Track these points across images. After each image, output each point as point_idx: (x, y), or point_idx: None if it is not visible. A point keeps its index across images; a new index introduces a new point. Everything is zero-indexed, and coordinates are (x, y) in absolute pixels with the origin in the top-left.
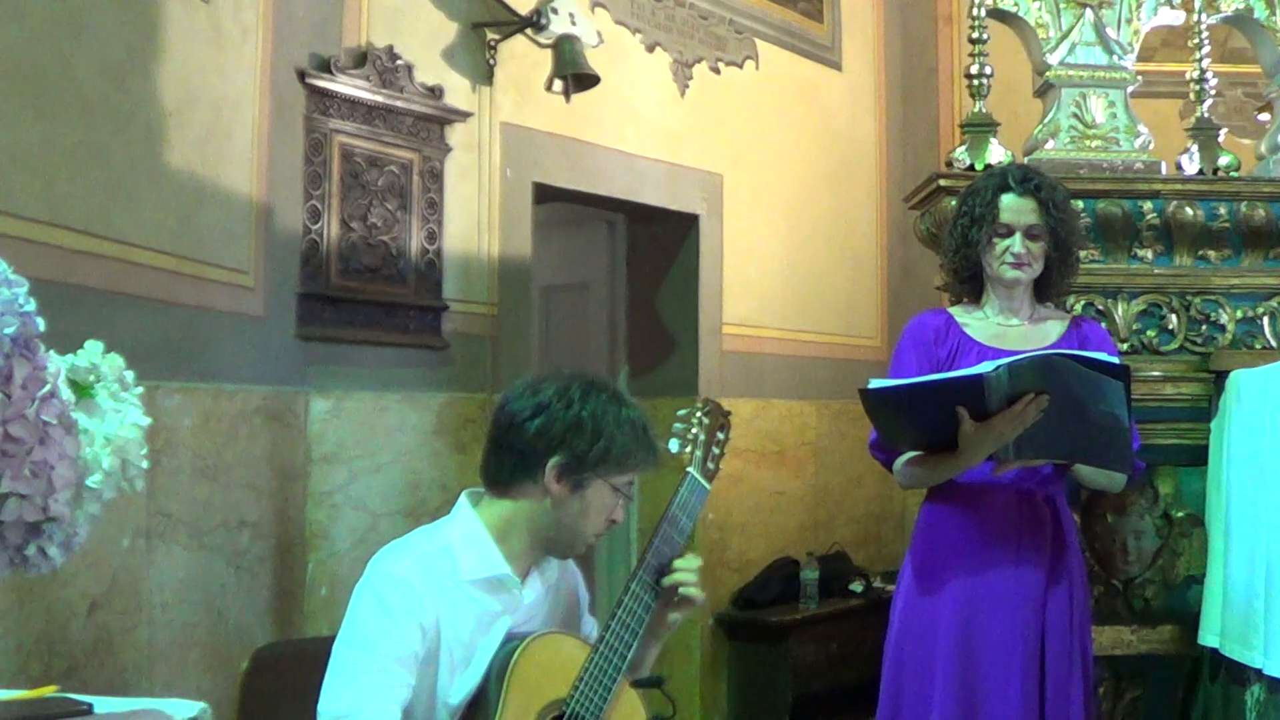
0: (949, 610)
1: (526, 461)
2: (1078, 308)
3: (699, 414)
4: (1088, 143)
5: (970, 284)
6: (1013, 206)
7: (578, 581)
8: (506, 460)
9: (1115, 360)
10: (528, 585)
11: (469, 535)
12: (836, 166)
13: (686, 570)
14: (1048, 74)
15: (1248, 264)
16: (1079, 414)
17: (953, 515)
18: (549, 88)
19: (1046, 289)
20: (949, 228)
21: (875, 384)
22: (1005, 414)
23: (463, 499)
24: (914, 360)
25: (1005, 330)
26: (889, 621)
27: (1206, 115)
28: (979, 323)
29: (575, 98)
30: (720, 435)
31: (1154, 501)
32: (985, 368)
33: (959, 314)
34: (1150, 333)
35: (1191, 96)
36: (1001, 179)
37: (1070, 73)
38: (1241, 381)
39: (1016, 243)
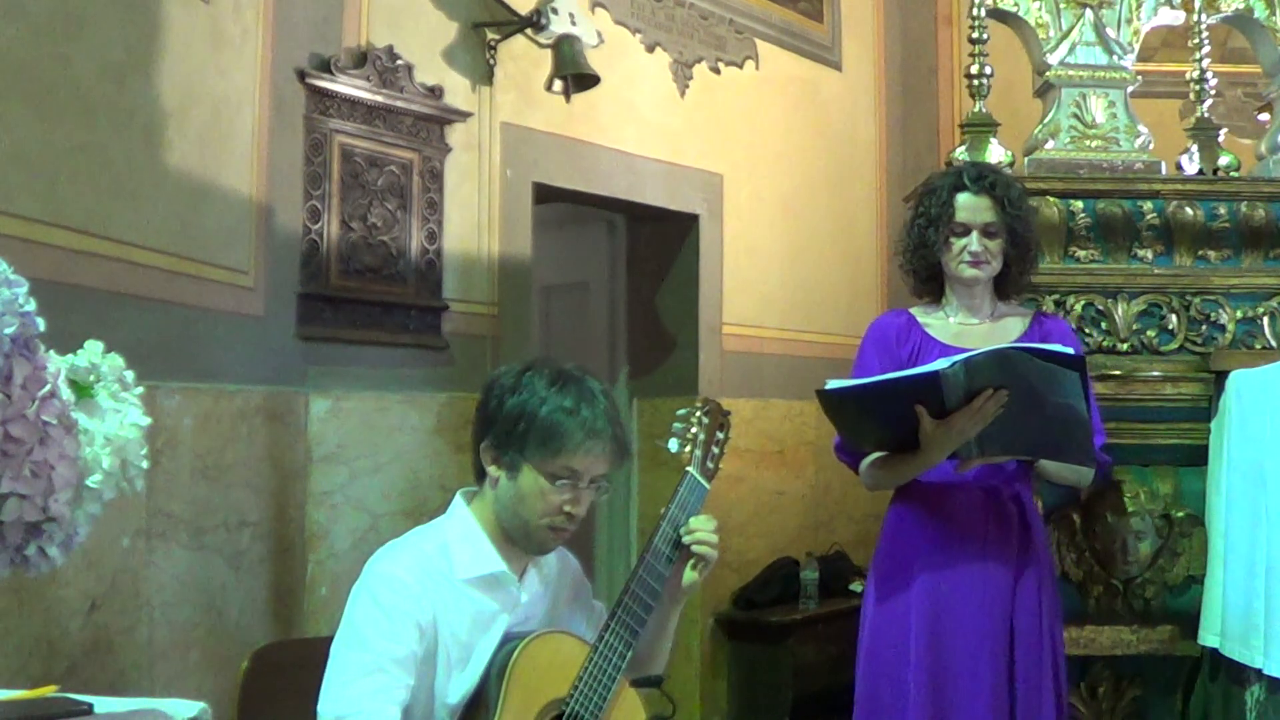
0: (917, 613)
1: (474, 447)
2: (1077, 308)
3: (698, 414)
4: (1088, 143)
5: (930, 284)
6: (969, 205)
7: (578, 570)
8: (472, 446)
9: (1070, 351)
10: (525, 582)
11: (464, 533)
12: (836, 166)
13: (703, 529)
14: (1048, 74)
15: (1248, 264)
16: (1038, 407)
17: (919, 516)
18: (549, 88)
19: (1006, 286)
20: (905, 229)
21: (832, 385)
22: (964, 410)
23: (457, 497)
24: (876, 361)
25: (966, 330)
26: (859, 624)
27: (1206, 115)
28: (940, 322)
29: (575, 98)
30: (720, 435)
31: (1154, 501)
32: (942, 364)
33: (920, 314)
34: (1150, 333)
35: (1191, 96)
36: (956, 178)
37: (1070, 73)
38: (1241, 381)
39: (974, 241)
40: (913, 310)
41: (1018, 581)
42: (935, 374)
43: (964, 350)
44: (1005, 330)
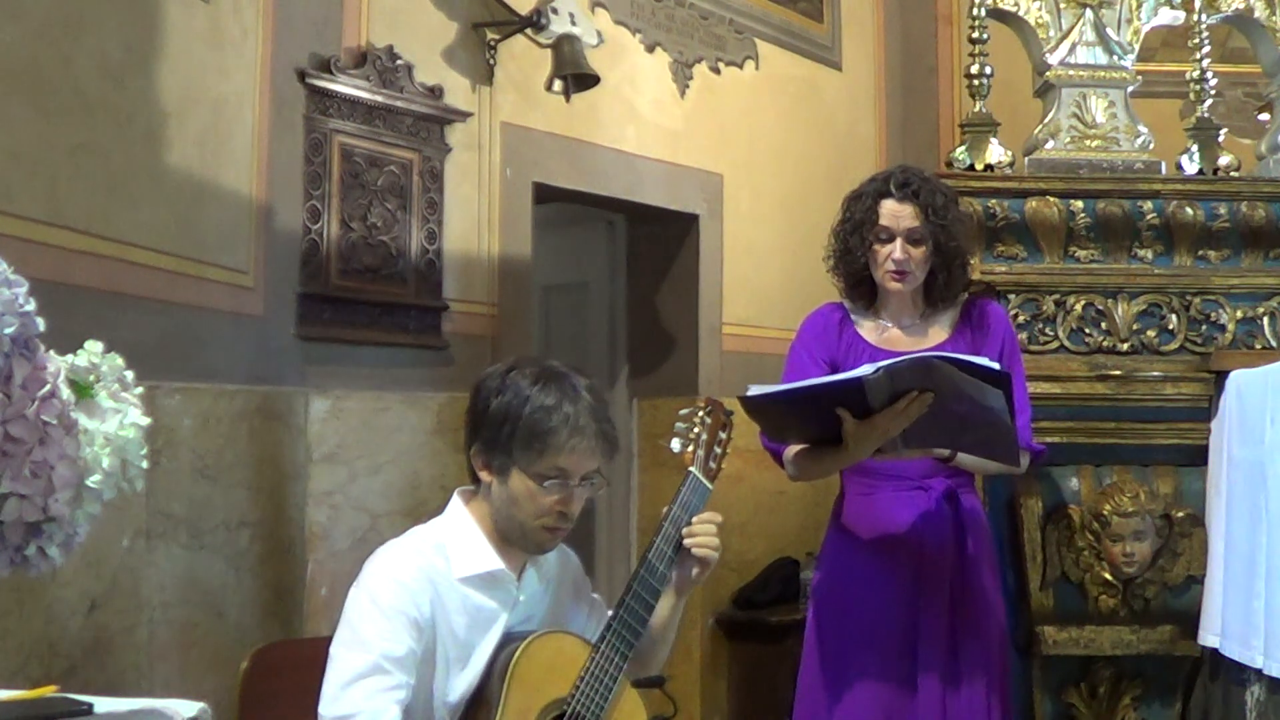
0: (859, 630)
1: (466, 451)
2: (1078, 308)
3: (701, 414)
4: (1088, 143)
5: (859, 289)
6: (892, 212)
7: (578, 566)
8: (465, 451)
9: (995, 367)
10: (524, 581)
11: (462, 533)
12: (836, 166)
13: (705, 531)
14: (1048, 74)
15: (1248, 264)
16: (964, 409)
17: (859, 526)
18: (549, 88)
19: (933, 294)
20: (832, 233)
21: (754, 390)
22: (888, 411)
23: (455, 497)
24: (809, 358)
25: (895, 335)
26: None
27: (1206, 115)
28: (871, 322)
29: (575, 98)
30: (722, 435)
31: (1154, 501)
32: (866, 370)
33: (854, 312)
34: (1150, 333)
35: (1191, 96)
36: (883, 184)
37: (1070, 73)
38: (1241, 381)
39: (897, 248)
40: (848, 305)
41: (960, 586)
42: (859, 380)
43: (893, 353)
44: (931, 334)
